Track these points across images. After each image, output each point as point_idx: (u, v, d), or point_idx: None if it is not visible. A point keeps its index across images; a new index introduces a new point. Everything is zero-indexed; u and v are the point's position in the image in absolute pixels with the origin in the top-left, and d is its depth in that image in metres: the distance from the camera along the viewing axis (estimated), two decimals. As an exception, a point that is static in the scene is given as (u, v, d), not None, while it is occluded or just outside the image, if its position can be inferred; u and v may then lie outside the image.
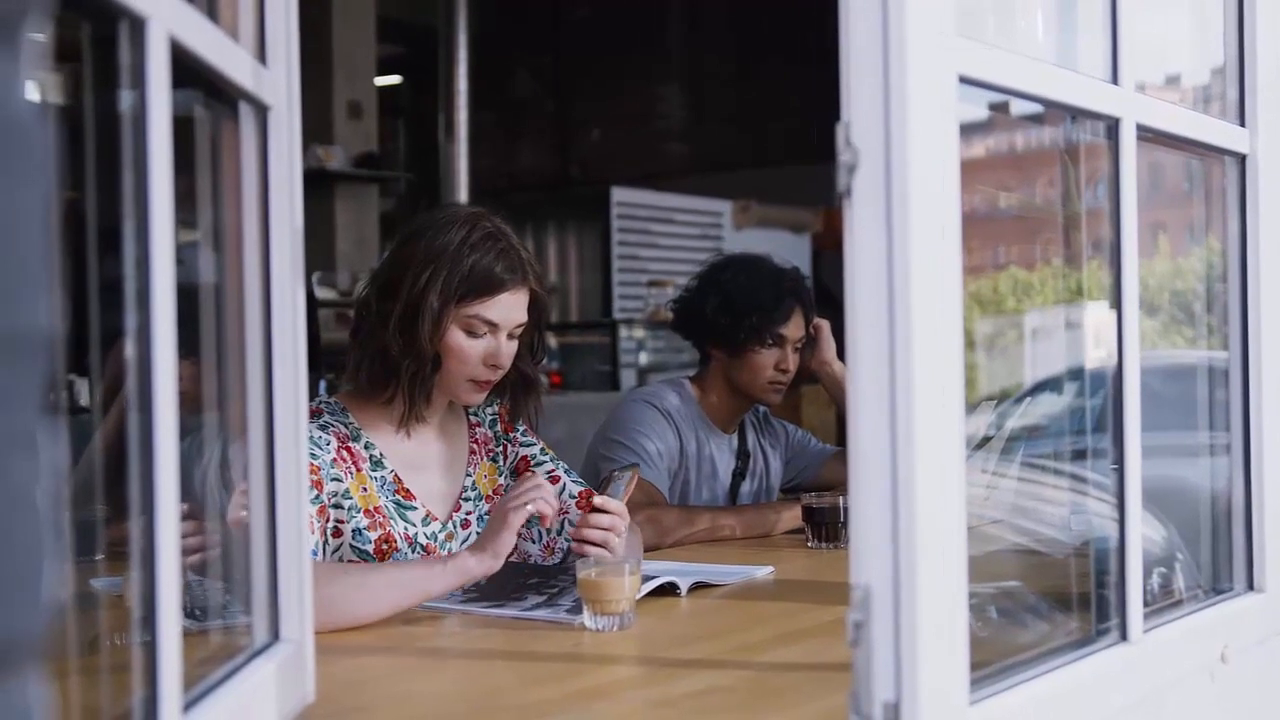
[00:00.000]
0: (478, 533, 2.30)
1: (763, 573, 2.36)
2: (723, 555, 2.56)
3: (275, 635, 1.39)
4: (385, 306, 2.20)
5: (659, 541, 2.76)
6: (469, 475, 2.36)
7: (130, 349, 1.03)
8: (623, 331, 7.51)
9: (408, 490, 2.25)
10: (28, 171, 0.56)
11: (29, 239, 0.56)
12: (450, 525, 2.30)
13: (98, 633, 1.33)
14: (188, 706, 1.10)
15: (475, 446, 2.39)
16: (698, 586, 2.20)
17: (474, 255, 2.18)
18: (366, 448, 2.24)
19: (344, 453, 2.17)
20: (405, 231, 2.28)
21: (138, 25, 1.01)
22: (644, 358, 7.56)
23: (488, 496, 2.37)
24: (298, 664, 1.41)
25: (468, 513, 2.34)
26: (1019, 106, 1.58)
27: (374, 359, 2.21)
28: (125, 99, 1.04)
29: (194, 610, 1.37)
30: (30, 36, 0.58)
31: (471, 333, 2.20)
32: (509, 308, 2.22)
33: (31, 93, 0.59)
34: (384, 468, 2.24)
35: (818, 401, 6.61)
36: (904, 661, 1.18)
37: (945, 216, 1.23)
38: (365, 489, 2.20)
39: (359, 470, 2.20)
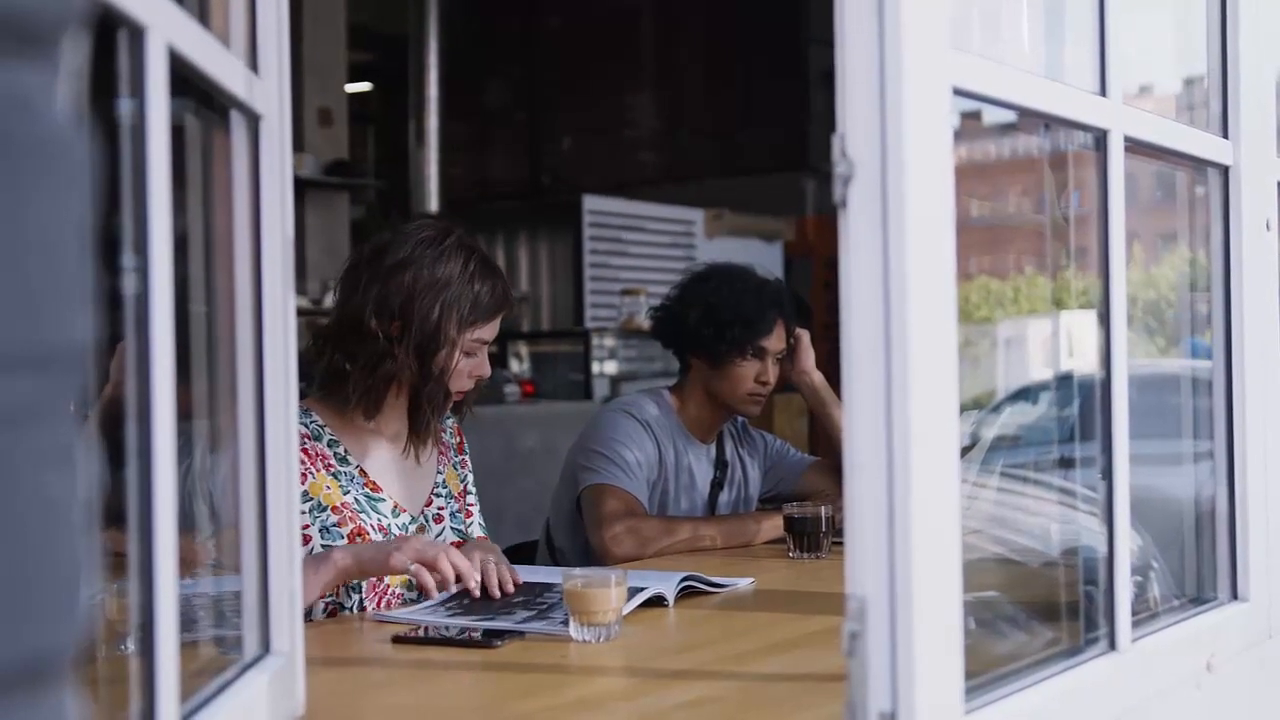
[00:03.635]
0: (452, 528, 2.42)
1: (744, 584, 2.36)
2: (704, 566, 2.55)
3: (266, 648, 1.38)
4: (389, 331, 2.24)
5: (640, 552, 2.75)
6: (440, 473, 2.45)
7: (128, 358, 1.02)
8: (595, 340, 7.48)
9: (375, 483, 2.32)
10: (67, 184, 0.56)
11: (68, 251, 0.55)
12: (422, 519, 2.38)
13: (92, 642, 1.31)
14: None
15: (443, 448, 2.49)
16: (686, 591, 2.21)
17: (478, 284, 2.30)
18: (330, 445, 2.29)
19: (301, 454, 2.20)
20: (394, 258, 2.28)
21: (137, 34, 1.00)
22: (616, 366, 7.54)
23: (456, 496, 2.46)
24: (289, 677, 1.40)
25: (439, 508, 2.43)
26: (990, 116, 1.59)
27: (383, 383, 2.28)
28: (122, 107, 1.03)
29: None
30: (68, 49, 0.58)
31: (470, 354, 2.32)
32: (498, 325, 2.37)
33: (69, 105, 0.58)
34: (350, 464, 2.30)
35: (789, 410, 6.63)
36: (900, 671, 1.18)
37: (941, 226, 1.23)
38: (329, 487, 2.25)
39: (319, 470, 2.25)
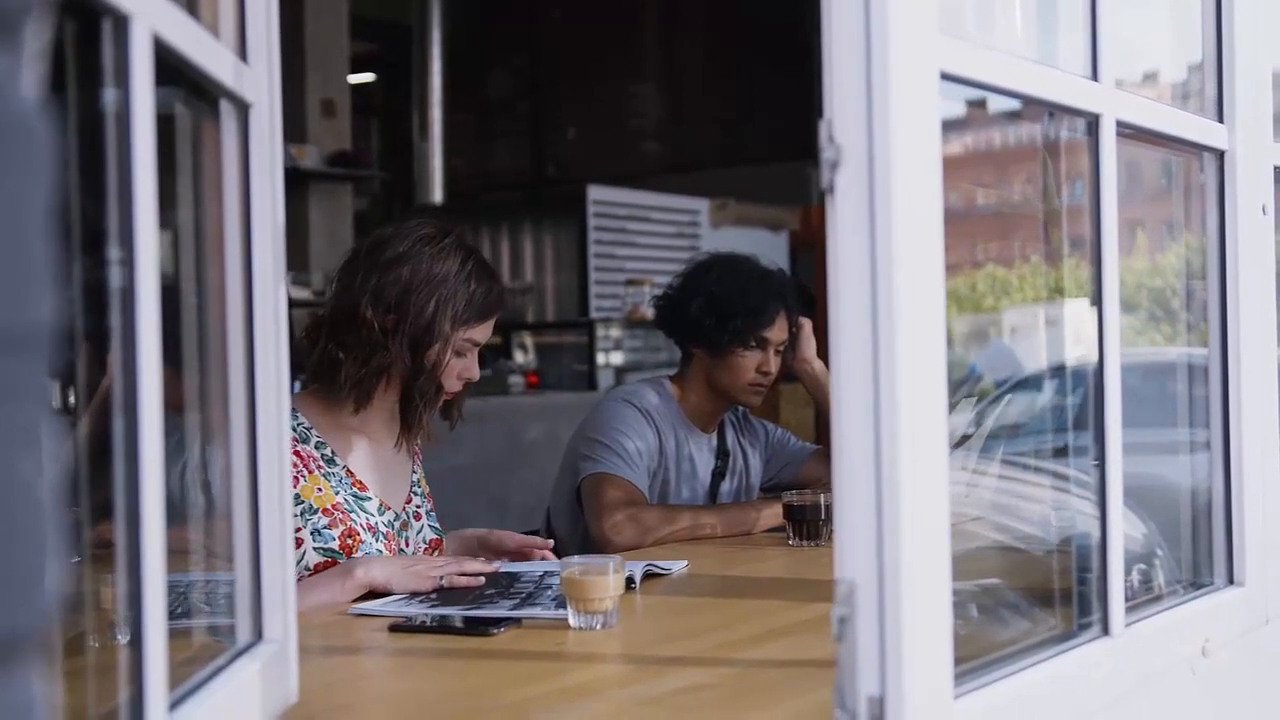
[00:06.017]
0: (430, 525, 2.47)
1: (678, 567, 2.39)
2: (703, 553, 2.56)
3: (259, 635, 1.38)
4: (384, 323, 2.26)
5: (640, 540, 2.76)
6: (415, 473, 2.49)
7: (113, 350, 1.02)
8: (600, 331, 7.48)
9: (361, 482, 2.34)
10: (31, 168, 0.56)
11: (33, 234, 0.56)
12: (404, 515, 2.41)
13: (82, 632, 1.32)
14: (173, 706, 1.09)
15: (416, 450, 2.52)
16: (649, 576, 2.26)
17: (474, 284, 2.32)
18: (317, 447, 2.32)
19: (293, 457, 2.22)
20: (392, 252, 2.31)
21: (121, 23, 1.00)
22: (621, 357, 7.54)
23: (427, 495, 2.51)
24: (281, 664, 1.40)
25: (417, 506, 2.46)
26: (996, 103, 1.59)
27: (375, 375, 2.30)
28: (107, 96, 1.03)
29: (172, 608, 1.37)
30: (31, 34, 0.58)
31: (459, 353, 2.34)
32: (491, 328, 2.39)
33: (32, 90, 0.58)
34: (336, 464, 2.32)
35: (795, 400, 6.63)
36: (889, 656, 1.18)
37: (928, 213, 1.23)
38: (320, 489, 2.28)
39: (311, 472, 2.28)
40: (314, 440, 2.31)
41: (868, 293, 1.19)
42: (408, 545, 2.38)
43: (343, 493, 2.29)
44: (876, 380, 1.18)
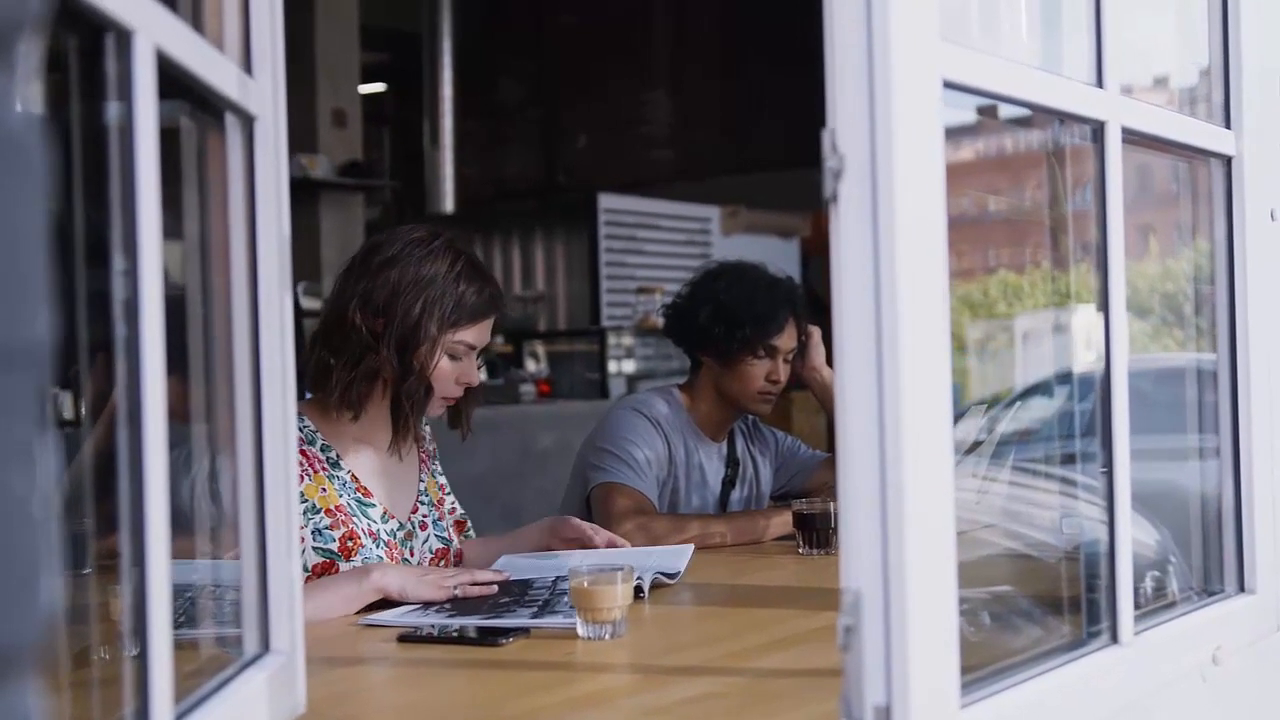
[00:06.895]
0: (435, 535, 2.45)
1: (684, 560, 2.39)
2: (713, 562, 2.56)
3: (266, 646, 1.38)
4: (373, 326, 2.26)
5: (650, 549, 2.76)
6: (422, 481, 2.48)
7: (119, 362, 1.02)
8: (611, 339, 7.48)
9: (366, 489, 2.34)
10: (25, 184, 0.56)
11: (27, 251, 0.56)
12: (409, 525, 2.40)
13: (87, 645, 1.32)
14: (179, 718, 1.10)
15: (424, 457, 2.51)
16: (656, 586, 2.24)
17: (463, 285, 2.31)
18: (323, 450, 2.32)
19: (298, 456, 2.22)
20: (382, 256, 2.32)
21: (124, 37, 1.00)
22: (633, 365, 7.54)
23: (435, 504, 2.49)
24: (288, 675, 1.40)
25: (423, 516, 2.45)
26: (1007, 110, 1.59)
27: (364, 379, 2.29)
28: (111, 110, 1.04)
29: (179, 619, 1.37)
30: (26, 49, 0.58)
31: (453, 356, 2.33)
32: (487, 332, 2.38)
33: (27, 105, 0.59)
34: (342, 469, 2.33)
35: (807, 407, 6.61)
36: (894, 665, 1.18)
37: (931, 221, 1.23)
38: (324, 490, 2.28)
39: (316, 472, 2.29)
40: (320, 443, 2.31)
41: (871, 301, 1.19)
42: (412, 555, 2.38)
43: (346, 496, 2.30)
44: (880, 388, 1.18)
